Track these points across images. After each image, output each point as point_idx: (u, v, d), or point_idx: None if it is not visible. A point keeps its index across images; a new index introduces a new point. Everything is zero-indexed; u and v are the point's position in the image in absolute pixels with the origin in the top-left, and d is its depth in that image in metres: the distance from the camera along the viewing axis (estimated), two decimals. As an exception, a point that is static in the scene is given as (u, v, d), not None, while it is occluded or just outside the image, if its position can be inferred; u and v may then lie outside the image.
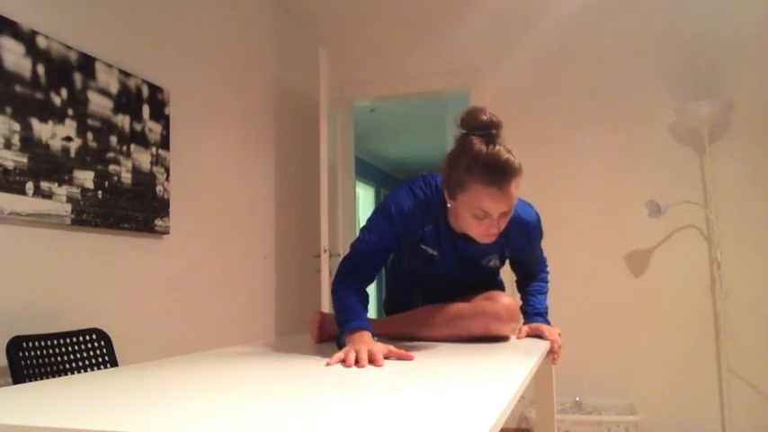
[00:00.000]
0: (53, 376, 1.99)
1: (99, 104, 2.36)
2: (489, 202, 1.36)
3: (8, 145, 1.97)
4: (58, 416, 0.75)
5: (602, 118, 3.59)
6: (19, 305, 2.03)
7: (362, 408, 0.77)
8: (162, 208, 2.67)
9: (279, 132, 3.82)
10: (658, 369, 3.39)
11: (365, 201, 8.36)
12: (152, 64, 2.72)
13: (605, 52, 3.61)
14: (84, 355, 2.14)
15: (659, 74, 3.51)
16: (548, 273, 1.88)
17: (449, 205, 1.51)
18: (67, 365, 2.06)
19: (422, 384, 0.94)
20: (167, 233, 2.71)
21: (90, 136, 2.31)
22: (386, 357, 1.25)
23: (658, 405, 3.38)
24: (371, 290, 8.31)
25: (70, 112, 2.22)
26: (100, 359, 2.19)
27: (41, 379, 1.93)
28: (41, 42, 2.12)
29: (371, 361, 1.20)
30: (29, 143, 2.04)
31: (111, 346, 2.23)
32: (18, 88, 2.02)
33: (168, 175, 2.73)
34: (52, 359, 2.02)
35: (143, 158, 2.57)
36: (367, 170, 8.20)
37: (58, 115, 2.17)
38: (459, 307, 1.65)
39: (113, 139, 2.42)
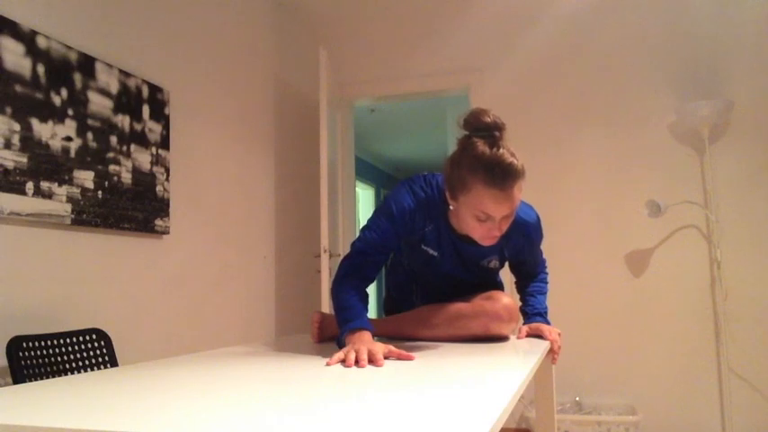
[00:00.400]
0: (53, 376, 1.99)
1: (99, 104, 2.36)
2: (492, 204, 1.36)
3: (8, 145, 1.97)
4: (58, 416, 0.75)
5: (602, 118, 3.59)
6: (19, 305, 2.03)
7: (362, 408, 0.77)
8: (162, 208, 2.67)
9: (279, 132, 3.82)
10: (658, 369, 3.39)
11: (365, 201, 8.36)
12: (152, 64, 2.72)
13: (605, 52, 3.61)
14: (84, 355, 2.14)
15: (659, 74, 3.51)
16: (547, 274, 1.88)
17: (450, 206, 1.51)
18: (67, 365, 2.06)
19: (422, 384, 0.94)
20: (167, 233, 2.71)
21: (90, 136, 2.31)
22: (386, 357, 1.25)
23: (658, 405, 3.38)
24: (371, 290, 8.31)
25: (70, 112, 2.22)
26: (100, 359, 2.19)
27: (41, 379, 1.93)
28: (41, 42, 2.12)
29: (371, 361, 1.20)
30: (29, 143, 2.04)
31: (111, 346, 2.23)
32: (18, 88, 2.02)
33: (168, 175, 2.73)
34: (52, 359, 2.02)
35: (143, 158, 2.57)
36: (367, 170, 8.20)
37: (58, 115, 2.17)
38: (459, 307, 1.65)
39: (113, 139, 2.42)
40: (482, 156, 1.35)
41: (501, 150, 1.35)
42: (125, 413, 0.76)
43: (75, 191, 2.22)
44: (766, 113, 3.34)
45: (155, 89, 2.67)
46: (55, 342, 2.05)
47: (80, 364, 2.11)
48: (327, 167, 3.35)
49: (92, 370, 2.15)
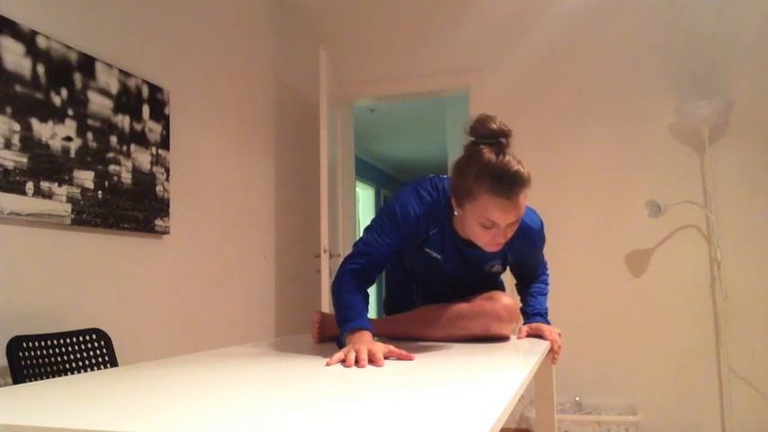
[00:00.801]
0: (53, 376, 1.99)
1: (99, 104, 2.36)
2: (497, 212, 1.36)
3: (8, 145, 1.97)
4: (58, 416, 0.75)
5: (602, 118, 3.59)
6: (19, 305, 2.03)
7: (362, 408, 0.77)
8: (162, 208, 2.67)
9: (279, 132, 3.82)
10: (658, 369, 3.39)
11: (365, 201, 8.36)
12: (152, 64, 2.72)
13: (605, 52, 3.61)
14: (84, 355, 2.14)
15: (659, 74, 3.51)
16: (548, 275, 1.88)
17: (456, 212, 1.51)
18: (67, 365, 2.06)
19: (422, 384, 0.94)
20: (167, 233, 2.71)
21: (90, 136, 2.31)
22: (386, 357, 1.25)
23: (658, 405, 3.38)
24: (371, 290, 8.31)
25: (70, 112, 2.22)
26: (100, 359, 2.19)
27: (41, 379, 1.93)
28: (41, 42, 2.12)
29: (371, 361, 1.20)
30: (29, 143, 2.04)
31: (111, 346, 2.23)
32: (18, 88, 2.02)
33: (168, 175, 2.73)
34: (52, 359, 2.02)
35: (143, 158, 2.57)
36: (367, 170, 8.20)
37: (58, 115, 2.17)
38: (460, 307, 1.65)
39: (113, 139, 2.42)
40: (488, 164, 1.34)
41: (507, 158, 1.35)
42: (125, 413, 0.76)
43: (75, 191, 2.22)
44: (766, 113, 3.34)
45: (155, 89, 2.67)
46: (55, 342, 2.05)
47: (80, 364, 2.11)
48: (327, 167, 3.35)
49: (92, 370, 2.15)
